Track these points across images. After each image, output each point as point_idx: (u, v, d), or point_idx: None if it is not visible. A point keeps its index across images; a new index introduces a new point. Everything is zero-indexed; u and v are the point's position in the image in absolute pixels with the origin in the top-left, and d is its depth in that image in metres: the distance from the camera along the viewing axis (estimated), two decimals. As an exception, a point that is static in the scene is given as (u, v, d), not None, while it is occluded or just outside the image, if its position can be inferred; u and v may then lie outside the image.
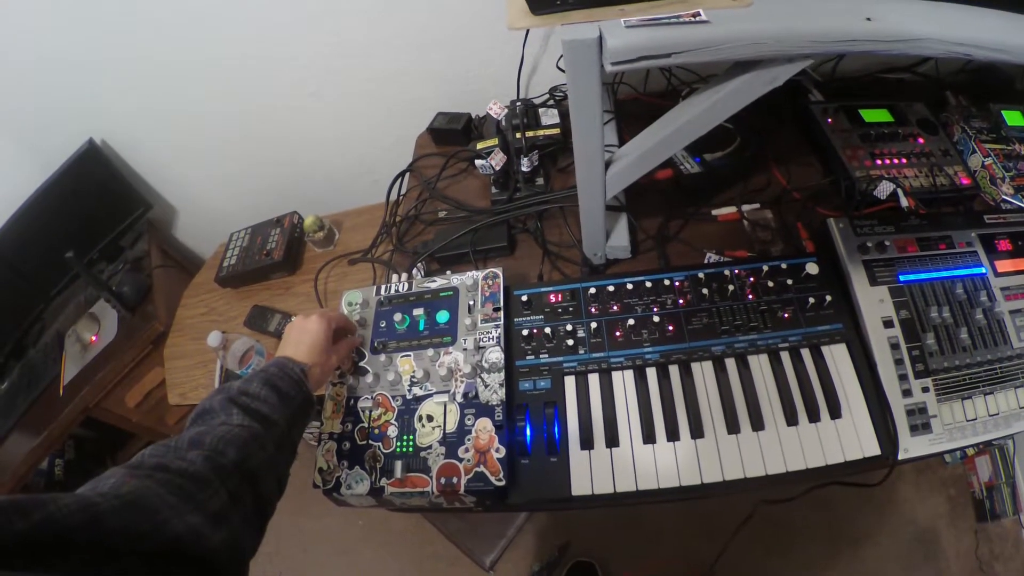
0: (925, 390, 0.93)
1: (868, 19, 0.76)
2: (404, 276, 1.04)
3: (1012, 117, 1.29)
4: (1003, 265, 1.06)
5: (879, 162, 1.15)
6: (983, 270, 1.04)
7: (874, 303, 0.96)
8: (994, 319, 1.01)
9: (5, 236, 1.57)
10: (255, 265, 1.41)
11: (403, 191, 1.28)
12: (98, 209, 1.71)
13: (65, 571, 0.38)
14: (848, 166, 1.14)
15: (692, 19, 0.77)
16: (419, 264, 1.09)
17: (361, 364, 0.95)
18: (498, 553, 1.46)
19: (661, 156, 0.87)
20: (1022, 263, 1.09)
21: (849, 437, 0.87)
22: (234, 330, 1.37)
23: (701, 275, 0.96)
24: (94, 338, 1.64)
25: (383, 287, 1.02)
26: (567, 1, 0.81)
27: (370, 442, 0.89)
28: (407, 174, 1.29)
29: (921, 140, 1.21)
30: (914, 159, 1.18)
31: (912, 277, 1.00)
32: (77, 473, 1.96)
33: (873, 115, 1.22)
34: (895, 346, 0.95)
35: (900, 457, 0.88)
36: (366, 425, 0.91)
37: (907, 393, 0.92)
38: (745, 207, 1.09)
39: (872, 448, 0.87)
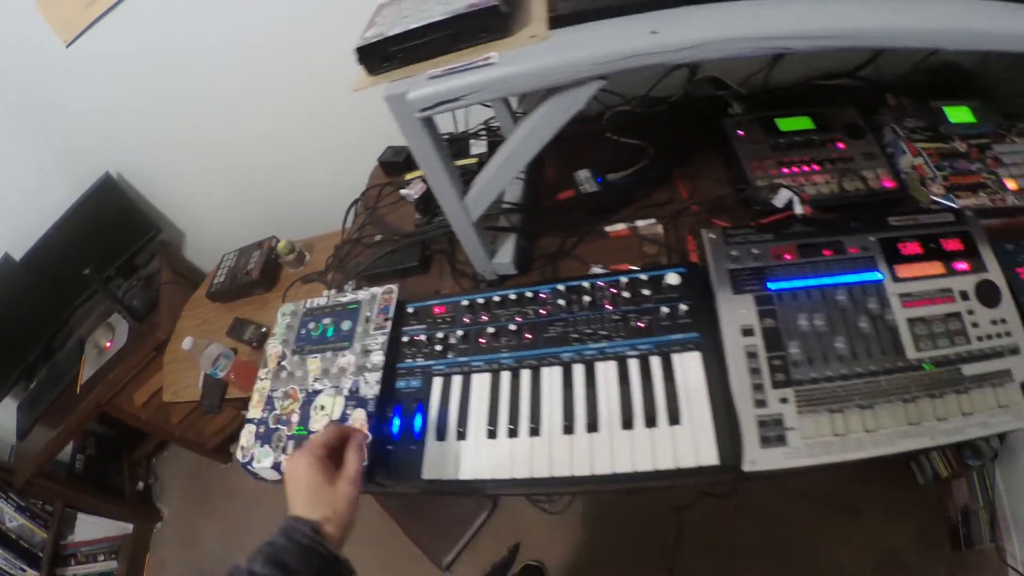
0: (783, 401, 0.90)
1: (653, 32, 0.77)
2: (333, 292, 1.15)
3: (955, 114, 1.17)
4: (905, 270, 0.99)
5: (785, 171, 1.09)
6: (879, 276, 0.95)
7: (735, 311, 0.94)
8: (885, 327, 0.91)
9: (36, 254, 1.89)
10: (237, 283, 1.61)
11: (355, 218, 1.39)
12: (113, 232, 2.00)
13: None
14: (750, 176, 1.10)
15: (483, 63, 0.81)
16: (350, 282, 1.20)
17: (283, 363, 1.07)
18: (454, 555, 1.50)
19: (502, 182, 0.96)
20: (928, 268, 0.98)
21: (684, 445, 0.86)
22: (219, 339, 1.55)
23: (561, 287, 1.01)
24: (108, 344, 1.93)
25: (308, 301, 1.13)
26: (391, 62, 0.87)
27: (279, 426, 1.00)
28: (359, 202, 1.40)
29: (842, 145, 1.14)
30: (829, 165, 1.11)
31: (784, 285, 0.95)
32: (96, 467, 2.25)
33: (791, 124, 1.17)
34: (753, 355, 0.91)
35: (746, 469, 0.84)
36: (278, 412, 1.02)
37: (761, 403, 0.90)
38: (641, 222, 1.11)
39: (710, 457, 0.84)
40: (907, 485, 1.57)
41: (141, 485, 2.45)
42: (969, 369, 0.91)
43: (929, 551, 1.49)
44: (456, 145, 1.31)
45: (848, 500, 1.55)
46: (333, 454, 0.75)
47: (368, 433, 0.87)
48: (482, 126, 1.42)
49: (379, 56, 0.88)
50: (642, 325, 0.94)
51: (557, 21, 0.84)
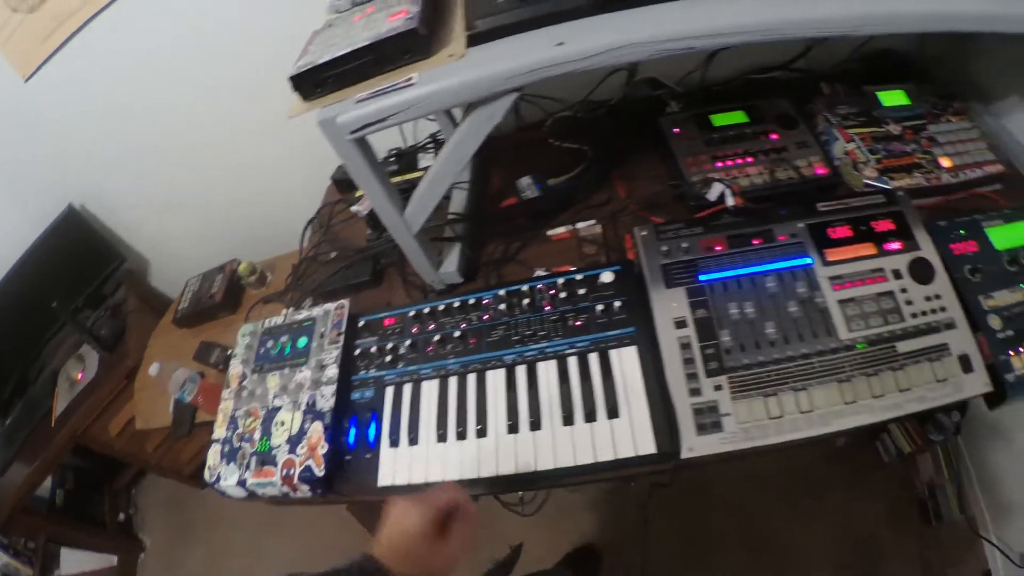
0: (718, 388, 0.97)
1: (560, 44, 0.84)
2: (290, 310, 1.22)
3: (889, 97, 1.24)
4: (834, 254, 1.06)
5: (719, 164, 1.16)
6: (809, 261, 1.02)
7: (668, 305, 1.02)
8: (816, 310, 0.98)
9: (3, 290, 1.94)
10: (202, 307, 1.68)
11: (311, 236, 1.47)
12: (79, 264, 2.07)
13: None
14: (685, 172, 1.17)
15: (405, 84, 0.88)
16: (307, 300, 1.27)
17: (243, 383, 1.14)
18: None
19: (437, 194, 1.03)
20: (859, 250, 1.05)
21: (623, 436, 0.93)
22: (187, 363, 1.61)
23: (502, 292, 1.06)
24: (80, 375, 1.99)
25: (267, 320, 1.20)
26: (323, 88, 0.95)
27: (242, 444, 1.07)
28: (314, 221, 1.47)
29: (775, 136, 1.21)
30: (762, 156, 1.18)
31: (714, 276, 1.03)
32: (77, 500, 2.30)
33: (725, 119, 1.25)
34: (686, 346, 0.98)
35: (684, 456, 0.90)
36: (241, 431, 1.09)
37: (696, 392, 0.97)
38: (581, 224, 1.17)
39: (648, 446, 0.91)
40: (873, 464, 1.63)
41: (122, 516, 2.48)
42: (904, 346, 0.98)
43: (899, 528, 1.54)
44: (404, 159, 1.38)
45: (816, 484, 1.61)
46: (443, 516, 0.71)
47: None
48: (429, 139, 1.49)
49: (311, 83, 0.95)
50: (579, 324, 1.01)
51: (475, 39, 0.91)
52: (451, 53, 0.91)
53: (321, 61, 0.94)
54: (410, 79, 0.88)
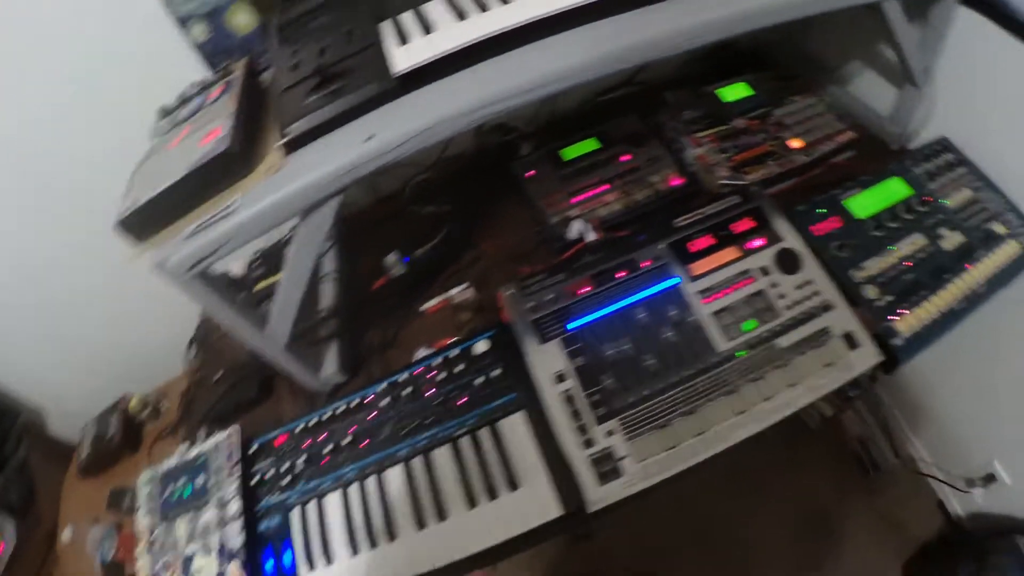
0: (610, 433, 1.00)
1: (369, 138, 0.85)
2: (184, 446, 1.21)
3: (730, 92, 1.30)
4: (698, 267, 1.11)
5: (575, 200, 1.18)
6: (676, 280, 1.07)
7: (545, 361, 1.03)
8: (690, 329, 1.02)
9: None
10: (103, 453, 1.63)
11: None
12: None
13: None
14: (546, 214, 1.17)
15: (225, 212, 0.87)
16: (202, 430, 1.25)
17: (153, 536, 1.12)
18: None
19: (293, 305, 1.01)
20: (722, 256, 1.11)
21: (528, 505, 0.95)
22: (102, 515, 1.58)
23: (383, 386, 1.08)
24: (0, 549, 1.87)
25: (164, 463, 1.19)
26: (152, 227, 0.93)
27: (168, 601, 1.06)
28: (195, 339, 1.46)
29: (627, 157, 1.23)
30: (618, 180, 1.20)
31: (583, 320, 1.06)
32: None
33: (575, 150, 1.28)
34: (570, 398, 1.00)
35: (591, 510, 0.93)
36: (165, 587, 1.07)
37: (589, 443, 1.00)
38: (454, 290, 1.17)
39: (553, 511, 0.93)
40: (801, 436, 1.68)
41: None
42: (784, 341, 1.03)
43: (844, 489, 1.61)
44: (270, 259, 1.37)
45: (753, 471, 1.63)
46: None
47: None
48: (292, 232, 1.47)
49: (140, 225, 0.93)
50: (464, 401, 1.03)
51: (291, 145, 0.90)
52: (270, 166, 0.91)
53: (142, 202, 0.94)
54: (229, 205, 0.88)
